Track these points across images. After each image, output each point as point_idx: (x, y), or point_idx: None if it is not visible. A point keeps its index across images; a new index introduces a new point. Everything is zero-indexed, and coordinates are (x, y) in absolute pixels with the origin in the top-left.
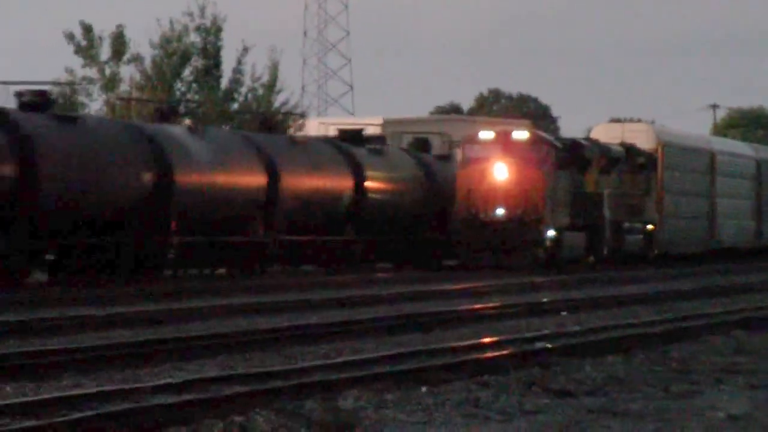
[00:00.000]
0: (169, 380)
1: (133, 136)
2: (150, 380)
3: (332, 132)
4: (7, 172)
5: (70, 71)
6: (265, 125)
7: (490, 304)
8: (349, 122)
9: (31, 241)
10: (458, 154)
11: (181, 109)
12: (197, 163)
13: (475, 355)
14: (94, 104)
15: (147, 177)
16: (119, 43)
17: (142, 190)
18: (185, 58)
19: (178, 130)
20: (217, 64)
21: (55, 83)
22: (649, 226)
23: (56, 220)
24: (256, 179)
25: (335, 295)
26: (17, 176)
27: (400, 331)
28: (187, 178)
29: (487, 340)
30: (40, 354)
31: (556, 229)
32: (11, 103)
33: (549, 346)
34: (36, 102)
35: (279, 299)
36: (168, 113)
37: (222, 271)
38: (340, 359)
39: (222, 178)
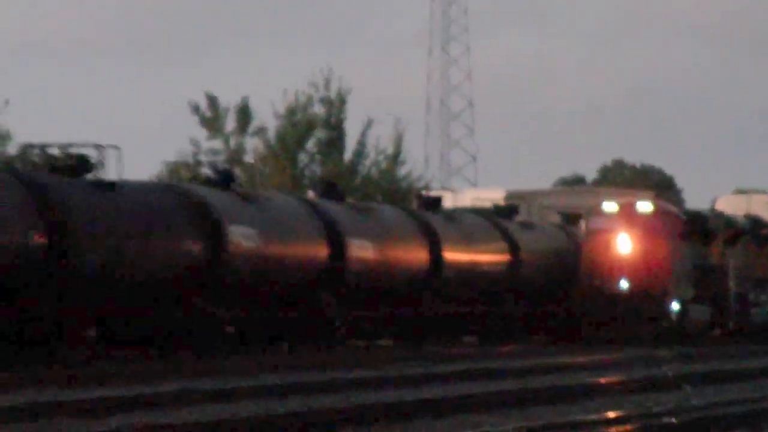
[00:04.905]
0: None
1: (180, 201)
2: None
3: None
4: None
5: (194, 143)
6: (328, 190)
7: (614, 378)
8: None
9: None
10: (582, 225)
11: (306, 180)
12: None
13: (601, 430)
14: None
15: (196, 245)
16: (244, 114)
17: (191, 259)
18: (309, 129)
19: (227, 196)
20: (341, 136)
21: (98, 146)
22: None
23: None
24: (318, 249)
25: (454, 368)
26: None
27: (525, 404)
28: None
29: (612, 414)
30: (167, 427)
31: (680, 302)
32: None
33: (674, 420)
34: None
35: (392, 373)
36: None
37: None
38: None
39: (275, 248)
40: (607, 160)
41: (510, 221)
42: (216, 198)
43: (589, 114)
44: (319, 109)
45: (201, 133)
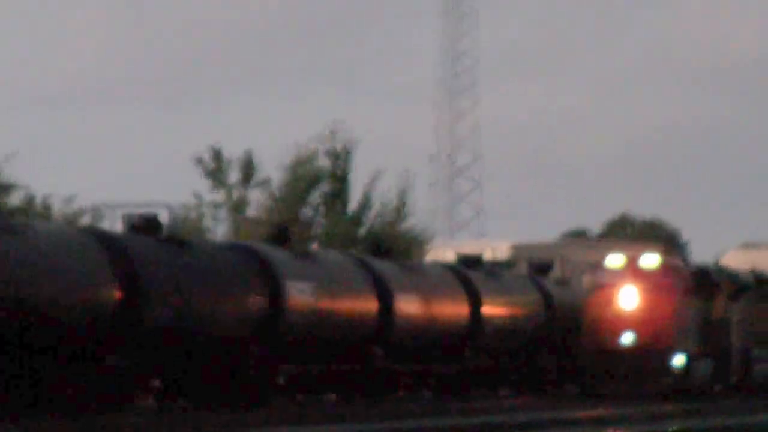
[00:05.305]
0: None
1: (244, 258)
2: None
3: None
4: (111, 293)
5: (197, 196)
6: (378, 249)
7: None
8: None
9: (136, 363)
10: (586, 279)
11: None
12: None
13: None
14: (221, 227)
15: (258, 300)
16: (248, 167)
17: (253, 314)
18: (314, 182)
19: (284, 253)
20: (346, 189)
21: (179, 206)
22: None
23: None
24: (369, 304)
25: (461, 422)
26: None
27: None
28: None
29: None
30: None
31: (684, 357)
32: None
33: None
34: (145, 226)
35: (406, 426)
36: (279, 235)
37: (332, 396)
38: None
39: (329, 303)
40: (613, 213)
41: (545, 278)
42: (275, 255)
43: (595, 167)
44: (324, 162)
45: (204, 185)
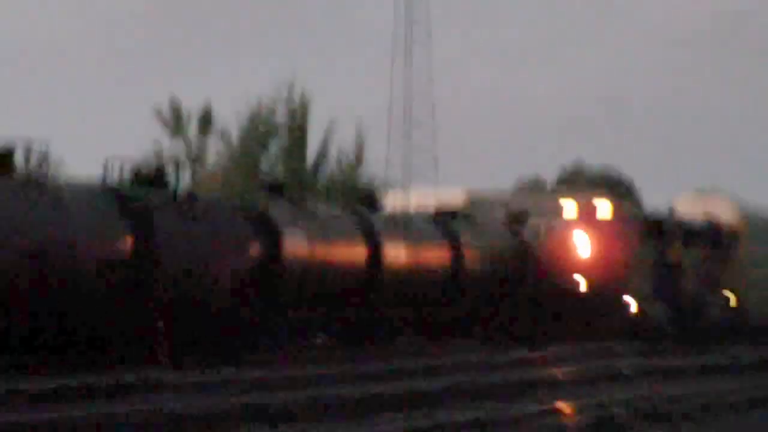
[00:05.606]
0: None
1: (243, 212)
2: None
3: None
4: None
5: (157, 143)
6: (366, 200)
7: (568, 370)
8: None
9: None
10: (541, 226)
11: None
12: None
13: (551, 421)
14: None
15: (257, 248)
16: (206, 118)
17: (253, 262)
18: (272, 134)
19: (281, 203)
20: (304, 140)
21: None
22: (731, 298)
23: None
24: (359, 251)
25: (412, 364)
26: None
27: (478, 399)
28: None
29: (562, 405)
30: None
31: (637, 300)
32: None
33: (625, 412)
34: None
35: (389, 368)
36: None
37: (320, 341)
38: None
39: (322, 251)
40: (567, 161)
41: (524, 227)
42: (273, 207)
43: (548, 116)
44: (281, 115)
45: (163, 138)
